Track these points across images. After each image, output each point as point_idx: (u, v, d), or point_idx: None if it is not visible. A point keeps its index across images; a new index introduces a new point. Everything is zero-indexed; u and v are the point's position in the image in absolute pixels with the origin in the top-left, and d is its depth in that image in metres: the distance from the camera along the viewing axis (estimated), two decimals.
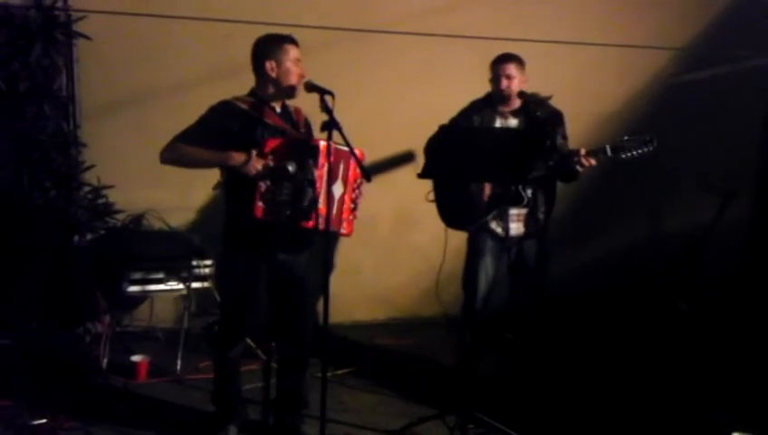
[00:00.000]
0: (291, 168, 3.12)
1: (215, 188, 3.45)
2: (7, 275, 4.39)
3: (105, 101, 4.71)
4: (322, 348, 3.11)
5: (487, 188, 3.75)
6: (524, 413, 3.79)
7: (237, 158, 3.14)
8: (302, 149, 3.20)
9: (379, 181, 4.26)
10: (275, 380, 3.51)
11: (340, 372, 4.41)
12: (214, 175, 3.51)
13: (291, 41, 3.32)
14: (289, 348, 3.53)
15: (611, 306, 5.40)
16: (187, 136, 3.26)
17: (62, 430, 3.61)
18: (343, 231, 3.37)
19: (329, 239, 3.04)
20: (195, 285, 4.50)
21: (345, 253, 4.83)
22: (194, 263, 4.47)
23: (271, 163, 3.13)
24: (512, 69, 3.79)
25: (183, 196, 4.89)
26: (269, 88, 3.32)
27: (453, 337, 4.30)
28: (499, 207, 3.78)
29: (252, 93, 3.35)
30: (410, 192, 3.94)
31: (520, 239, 3.88)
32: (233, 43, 4.39)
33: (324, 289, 3.02)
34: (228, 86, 3.39)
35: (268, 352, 3.39)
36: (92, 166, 4.65)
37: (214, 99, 3.30)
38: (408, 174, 4.03)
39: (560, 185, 3.90)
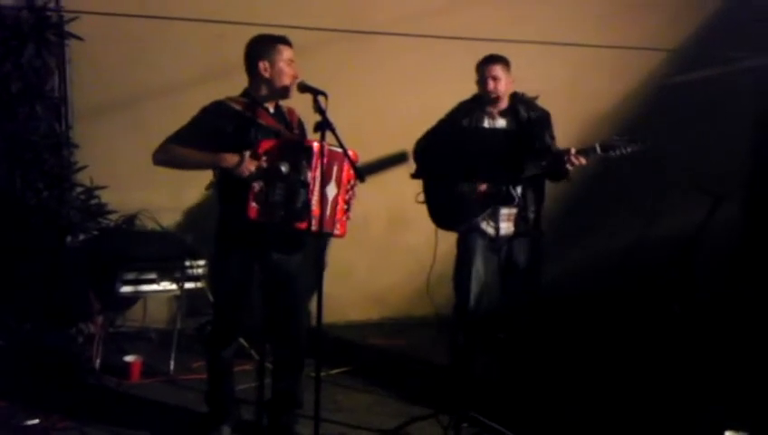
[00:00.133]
0: (284, 168, 3.13)
1: (207, 188, 3.45)
2: (0, 277, 4.38)
3: (97, 101, 4.70)
4: (316, 348, 3.12)
5: (480, 188, 3.76)
6: (518, 413, 3.80)
7: (230, 159, 3.14)
8: (296, 150, 3.21)
9: (373, 182, 4.27)
10: (269, 380, 3.51)
11: (334, 371, 4.42)
12: (206, 175, 3.50)
13: (284, 41, 3.32)
14: (283, 349, 3.53)
15: (604, 307, 5.42)
16: (179, 137, 3.25)
17: (56, 430, 3.60)
18: (337, 232, 3.37)
19: (321, 240, 3.04)
20: (188, 285, 4.49)
21: (338, 253, 4.83)
22: (187, 263, 4.47)
23: (264, 164, 3.14)
24: (498, 70, 3.79)
25: (176, 196, 4.89)
26: (262, 89, 3.32)
27: (445, 337, 4.31)
28: (490, 208, 3.79)
29: (245, 94, 3.35)
30: (403, 193, 3.95)
31: (510, 239, 3.89)
32: (226, 44, 4.39)
33: (318, 289, 3.03)
34: (221, 87, 3.40)
35: (262, 353, 3.38)
36: (85, 167, 4.64)
37: (207, 100, 3.30)
38: (401, 175, 4.03)
39: (552, 185, 3.91)
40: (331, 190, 3.28)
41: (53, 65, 4.55)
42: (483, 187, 3.73)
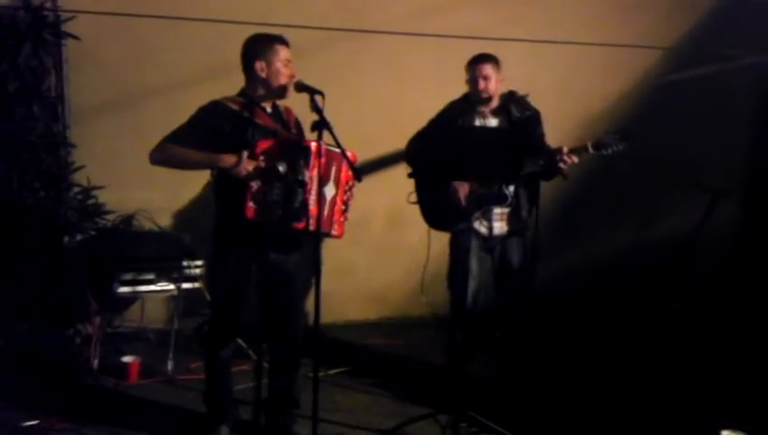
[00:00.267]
0: (281, 168, 3.12)
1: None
2: None
3: (94, 101, 4.69)
4: (314, 348, 3.12)
5: (462, 190, 3.74)
6: (517, 412, 3.80)
7: (228, 160, 3.14)
8: (294, 149, 3.20)
9: (371, 181, 4.28)
10: (267, 380, 3.51)
11: (332, 371, 4.42)
12: (204, 175, 3.50)
13: (281, 41, 3.31)
14: (280, 348, 3.53)
15: (602, 306, 5.43)
16: (176, 137, 3.25)
17: (54, 431, 3.60)
18: (334, 233, 3.37)
19: (319, 240, 3.05)
20: (185, 285, 4.49)
21: (337, 252, 4.82)
22: (184, 263, 4.46)
23: (262, 164, 3.13)
24: (488, 69, 3.79)
25: (173, 196, 4.89)
26: (259, 88, 3.32)
27: (443, 337, 4.32)
28: (483, 208, 3.79)
29: (242, 94, 3.34)
30: (402, 192, 3.96)
31: (503, 238, 3.90)
32: (225, 44, 4.37)
33: (316, 289, 3.03)
34: (220, 86, 3.39)
35: (259, 352, 3.39)
36: (82, 166, 4.63)
37: (205, 99, 3.29)
38: (400, 174, 4.03)
39: (549, 184, 3.90)
40: (330, 190, 3.28)
41: (50, 65, 4.54)
42: (470, 187, 3.72)
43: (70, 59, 4.61)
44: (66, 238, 4.60)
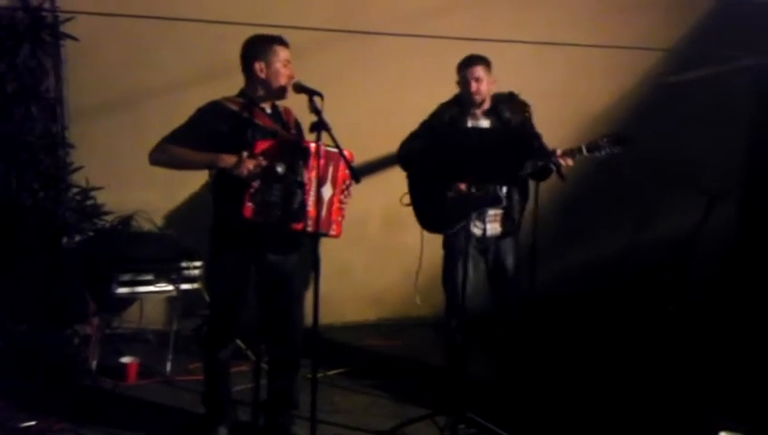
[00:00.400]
0: (280, 169, 3.12)
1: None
2: None
3: (93, 102, 4.68)
4: (313, 349, 3.12)
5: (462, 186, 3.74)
6: (515, 413, 3.80)
7: (227, 160, 3.14)
8: (293, 150, 3.20)
9: (369, 182, 4.28)
10: (266, 381, 3.51)
11: (331, 372, 4.42)
12: (202, 176, 3.50)
13: (280, 42, 3.31)
14: (279, 349, 3.53)
15: (600, 307, 5.43)
16: (175, 137, 3.25)
17: (52, 432, 3.60)
18: (332, 233, 3.37)
19: (317, 241, 3.05)
20: (184, 286, 4.48)
21: (335, 254, 4.81)
22: (183, 264, 4.46)
23: (262, 164, 3.13)
24: (480, 71, 3.79)
25: (172, 197, 4.89)
26: (258, 89, 3.31)
27: (441, 338, 4.31)
28: (478, 209, 3.79)
29: (241, 94, 3.34)
30: (400, 193, 3.95)
31: (497, 239, 3.91)
32: (224, 44, 4.36)
33: (315, 290, 3.03)
34: (219, 87, 3.39)
35: (258, 353, 3.39)
36: (81, 167, 4.63)
37: (204, 100, 3.30)
38: (398, 174, 4.03)
39: (548, 184, 3.90)
40: (327, 191, 3.28)
41: (49, 66, 4.54)
42: (463, 186, 3.72)
43: (68, 60, 4.61)
44: (65, 239, 4.60)
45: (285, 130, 3.38)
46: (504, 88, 3.88)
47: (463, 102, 3.87)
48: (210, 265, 3.70)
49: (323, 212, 3.22)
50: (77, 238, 4.63)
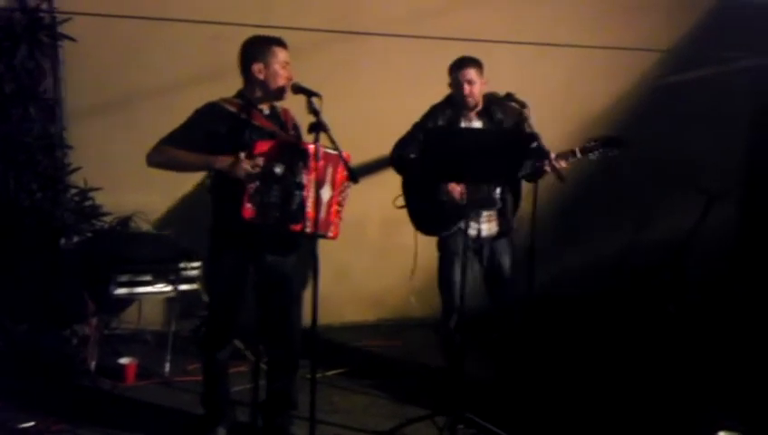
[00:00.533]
0: (278, 170, 3.12)
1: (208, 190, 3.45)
2: None
3: (91, 103, 4.68)
4: (312, 349, 3.11)
5: (458, 188, 3.73)
6: (514, 414, 3.79)
7: (224, 161, 3.13)
8: (292, 151, 3.20)
9: (368, 183, 4.26)
10: (264, 381, 3.50)
11: (330, 373, 4.41)
12: (201, 177, 3.50)
13: (279, 43, 3.31)
14: (278, 350, 3.53)
15: (599, 307, 5.42)
16: (173, 138, 3.24)
17: (50, 432, 3.59)
18: (330, 235, 3.36)
19: (316, 242, 3.04)
20: (183, 287, 4.47)
21: (334, 255, 4.81)
22: (181, 265, 4.45)
23: (261, 164, 3.12)
24: (472, 73, 3.78)
25: (170, 198, 4.89)
26: (257, 90, 3.31)
27: (439, 339, 4.31)
28: (472, 211, 3.79)
29: (239, 95, 3.34)
30: (399, 194, 3.94)
31: (492, 239, 3.91)
32: (221, 45, 4.37)
33: (314, 290, 3.02)
34: (216, 88, 3.39)
35: (257, 354, 3.38)
36: (79, 168, 4.62)
37: (202, 101, 3.29)
38: (396, 176, 4.02)
39: (547, 185, 3.90)
40: (326, 192, 3.28)
41: (47, 66, 4.53)
42: (459, 187, 3.71)
43: (66, 60, 4.60)
44: (63, 240, 4.59)
45: (284, 131, 3.37)
46: (505, 88, 3.87)
47: (455, 104, 3.86)
48: (209, 265, 3.70)
49: (322, 213, 3.21)
50: (75, 239, 4.63)
